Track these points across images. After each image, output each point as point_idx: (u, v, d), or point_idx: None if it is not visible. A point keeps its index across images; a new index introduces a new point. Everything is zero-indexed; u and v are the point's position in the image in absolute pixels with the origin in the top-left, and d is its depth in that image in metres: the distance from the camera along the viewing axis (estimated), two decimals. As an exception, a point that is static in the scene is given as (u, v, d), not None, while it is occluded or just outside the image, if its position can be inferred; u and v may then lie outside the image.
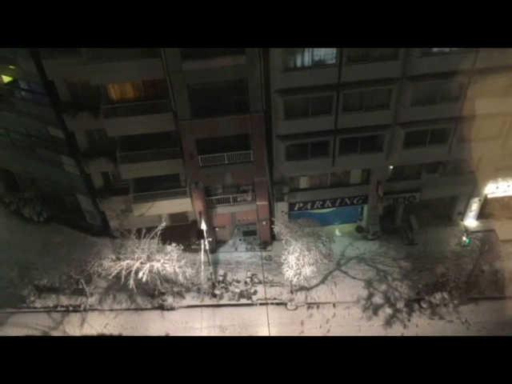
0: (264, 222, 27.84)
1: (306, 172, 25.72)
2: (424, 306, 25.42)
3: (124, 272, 23.92)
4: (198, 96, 21.63)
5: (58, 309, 26.29)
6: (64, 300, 26.52)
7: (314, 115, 22.48)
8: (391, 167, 26.08)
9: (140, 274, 23.75)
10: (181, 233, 27.48)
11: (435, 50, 20.64)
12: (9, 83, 23.92)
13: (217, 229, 28.49)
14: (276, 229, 25.85)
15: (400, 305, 25.55)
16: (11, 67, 22.68)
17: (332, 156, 24.24)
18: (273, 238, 28.68)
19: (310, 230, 24.57)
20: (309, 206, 27.26)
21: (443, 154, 24.95)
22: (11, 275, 26.92)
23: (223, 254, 28.73)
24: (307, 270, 23.61)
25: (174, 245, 25.02)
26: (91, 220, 29.02)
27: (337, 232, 29.39)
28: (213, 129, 22.71)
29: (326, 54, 20.44)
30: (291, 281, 24.87)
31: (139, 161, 24.00)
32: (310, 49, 20.20)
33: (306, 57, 20.47)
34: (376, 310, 25.59)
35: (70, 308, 26.27)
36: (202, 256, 26.72)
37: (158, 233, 24.74)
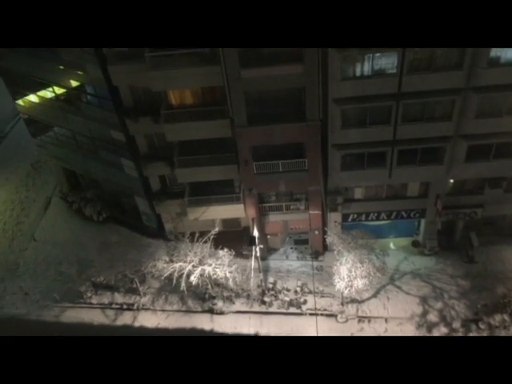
0: (316, 232, 27.56)
1: (361, 182, 25.25)
2: (482, 327, 24.21)
3: (176, 274, 24.37)
4: (254, 103, 21.78)
5: (113, 306, 27.12)
6: (119, 298, 27.33)
7: (371, 125, 22.06)
8: (451, 181, 25.13)
9: (192, 277, 24.11)
10: (233, 238, 27.66)
11: (503, 60, 19.75)
12: (76, 88, 25.08)
13: (268, 236, 28.48)
14: (328, 239, 25.50)
15: (456, 324, 24.46)
16: (79, 73, 23.78)
17: (389, 167, 23.66)
18: (325, 248, 28.31)
19: (363, 242, 24.06)
20: (363, 217, 26.72)
21: (509, 170, 23.76)
22: (71, 271, 28.11)
23: (274, 262, 28.66)
24: (359, 283, 23.10)
25: (225, 250, 25.24)
26: (147, 222, 29.82)
27: (391, 245, 28.61)
28: (268, 136, 22.78)
29: (387, 62, 20.05)
30: (342, 292, 24.43)
31: (195, 165, 24.43)
32: (370, 57, 19.88)
33: (366, 66, 20.15)
34: (430, 328, 24.63)
35: (124, 306, 27.03)
36: (253, 262, 26.79)
37: (211, 237, 25.06)
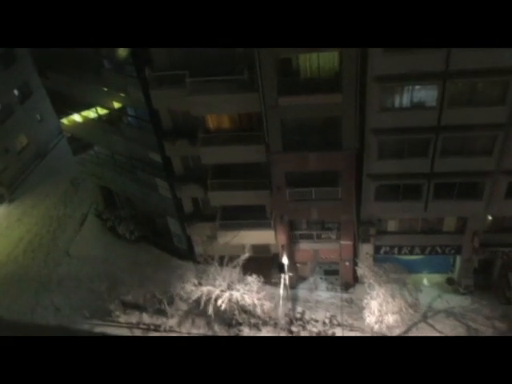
0: (347, 263, 27.08)
1: (395, 215, 24.79)
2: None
3: (204, 298, 24.29)
4: (290, 130, 21.88)
5: (140, 326, 27.19)
6: (146, 318, 27.39)
7: (408, 157, 21.75)
8: (490, 217, 24.36)
9: (219, 302, 23.98)
10: (262, 265, 27.47)
11: (548, 96, 19.28)
12: (118, 109, 25.85)
13: (298, 264, 28.16)
14: (359, 271, 24.99)
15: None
16: (122, 95, 24.53)
17: (425, 200, 23.17)
18: (355, 280, 27.74)
19: (395, 276, 23.48)
20: (396, 250, 26.12)
21: (551, 209, 22.92)
22: (101, 289, 28.42)
23: (302, 291, 28.23)
24: (390, 318, 22.44)
25: (254, 276, 25.05)
26: (178, 243, 30.02)
27: (425, 281, 27.77)
28: (303, 163, 22.76)
29: (427, 95, 19.85)
30: (372, 327, 23.74)
31: (228, 189, 24.58)
32: (410, 89, 19.74)
33: (405, 97, 20.01)
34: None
35: (151, 327, 27.05)
36: (282, 291, 26.46)
37: (240, 262, 24.97)
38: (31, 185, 36.95)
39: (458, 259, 26.63)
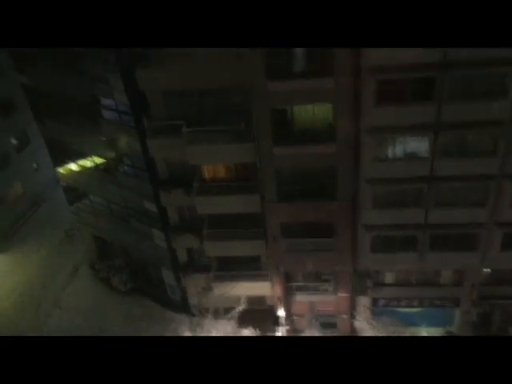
0: (344, 316, 26.49)
1: (391, 266, 24.53)
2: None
3: (197, 351, 23.55)
4: (285, 180, 22.00)
5: None
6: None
7: (403, 207, 21.80)
8: (487, 270, 24.12)
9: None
10: (257, 317, 26.83)
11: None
12: (114, 158, 26.04)
13: (294, 317, 27.53)
14: (357, 324, 24.44)
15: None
16: (119, 144, 24.78)
17: (421, 252, 23.01)
18: (353, 333, 27.05)
19: (394, 330, 22.93)
20: (394, 303, 25.66)
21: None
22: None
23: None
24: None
25: (250, 329, 24.42)
26: (172, 294, 29.44)
27: (424, 335, 27.11)
28: (298, 213, 22.74)
29: (419, 146, 20.15)
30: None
31: (224, 239, 24.38)
32: (403, 140, 20.06)
33: (398, 148, 20.29)
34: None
35: None
36: (277, 344, 25.72)
37: (236, 314, 24.42)
38: (25, 234, 36.57)
39: (457, 312, 26.12)
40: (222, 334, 23.91)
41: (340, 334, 26.30)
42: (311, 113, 20.38)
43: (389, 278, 25.25)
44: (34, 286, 32.50)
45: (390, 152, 20.54)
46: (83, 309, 30.25)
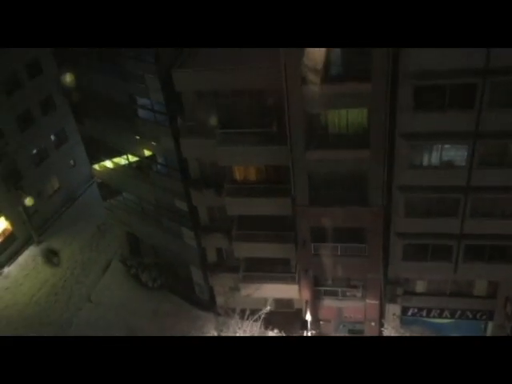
0: (372, 323, 26.11)
1: (423, 275, 24.00)
2: None
3: (223, 351, 23.63)
4: (317, 184, 21.83)
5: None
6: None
7: (437, 216, 21.30)
8: (524, 283, 23.36)
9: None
10: (284, 320, 26.75)
11: None
12: (148, 157, 26.42)
13: (321, 322, 27.31)
14: (385, 332, 24.03)
15: None
16: (153, 143, 25.14)
17: (455, 262, 22.44)
18: (381, 341, 26.67)
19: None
20: (424, 312, 25.10)
21: None
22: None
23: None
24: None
25: (276, 331, 24.35)
26: (200, 293, 29.66)
27: (454, 347, 26.46)
28: (329, 218, 22.52)
29: (457, 154, 19.65)
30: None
31: (253, 241, 24.40)
32: (439, 147, 19.60)
33: (434, 155, 19.83)
34: None
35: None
36: (303, 348, 25.55)
37: (262, 316, 24.39)
38: (60, 228, 37.52)
39: (490, 325, 25.37)
40: (248, 334, 23.95)
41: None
42: (345, 117, 20.15)
43: (420, 286, 24.71)
44: (66, 278, 33.28)
45: (425, 159, 20.09)
46: (113, 303, 30.79)
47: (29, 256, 35.37)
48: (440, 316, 25.06)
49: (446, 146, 19.66)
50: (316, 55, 18.57)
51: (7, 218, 34.43)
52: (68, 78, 26.29)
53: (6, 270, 34.18)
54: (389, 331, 23.36)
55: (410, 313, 25.23)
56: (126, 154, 27.44)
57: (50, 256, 34.20)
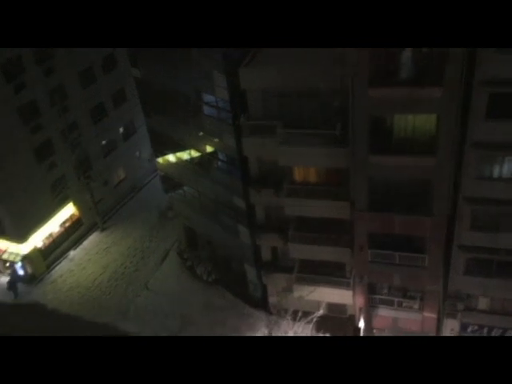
0: (428, 336, 25.20)
1: (486, 292, 22.82)
2: None
3: (272, 351, 23.65)
4: (378, 189, 21.29)
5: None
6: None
7: (505, 231, 20.16)
8: None
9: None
10: (336, 325, 26.37)
11: None
12: (210, 153, 26.83)
13: (375, 330, 26.66)
14: (441, 347, 23.10)
15: None
16: (215, 140, 25.49)
17: (522, 280, 21.21)
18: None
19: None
20: (485, 331, 23.91)
21: None
22: (173, 326, 28.75)
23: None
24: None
25: (327, 335, 24.05)
26: (253, 291, 29.78)
27: (516, 370, 25.01)
28: (388, 225, 21.91)
29: (531, 167, 18.52)
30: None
31: (309, 243, 24.18)
32: (511, 159, 18.54)
33: (505, 167, 18.79)
34: None
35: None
36: (354, 356, 25.08)
37: (314, 319, 24.17)
38: (123, 217, 39.00)
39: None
40: (300, 335, 23.82)
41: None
42: (412, 122, 19.50)
43: (482, 303, 23.54)
44: (127, 265, 34.52)
45: (495, 171, 19.09)
46: (169, 293, 31.60)
47: (93, 242, 37.02)
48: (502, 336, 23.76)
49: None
50: (385, 57, 18.08)
51: (75, 204, 36.18)
52: (139, 73, 27.21)
53: (71, 253, 35.98)
54: (445, 347, 22.42)
55: (469, 330, 24.12)
56: (188, 149, 28.01)
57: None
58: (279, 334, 24.23)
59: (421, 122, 19.35)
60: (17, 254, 33.20)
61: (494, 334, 23.78)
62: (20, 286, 33.37)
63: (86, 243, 36.89)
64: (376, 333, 26.63)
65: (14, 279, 33.43)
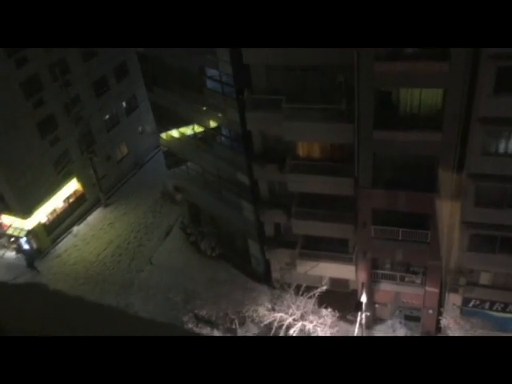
0: (430, 311, 25.42)
1: (489, 267, 22.93)
2: None
3: (276, 324, 23.96)
4: (382, 166, 21.18)
5: (209, 342, 27.30)
6: (216, 335, 27.51)
7: (509, 207, 20.12)
8: None
9: (291, 331, 23.50)
10: (339, 299, 26.62)
11: None
12: (213, 128, 26.65)
13: (377, 305, 26.93)
14: (443, 321, 23.36)
15: None
16: (219, 115, 25.29)
17: (525, 256, 21.26)
18: (438, 330, 25.93)
19: (483, 333, 21.62)
20: (487, 305, 24.08)
21: None
22: (177, 299, 29.10)
23: (379, 334, 26.92)
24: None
25: (329, 310, 24.33)
26: (256, 266, 30.02)
27: (516, 343, 25.30)
28: (392, 202, 21.87)
29: (537, 142, 18.35)
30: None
31: (312, 219, 24.20)
32: (518, 135, 18.36)
33: (511, 143, 18.63)
34: None
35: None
36: (357, 329, 25.40)
37: (317, 294, 24.40)
38: (126, 192, 39.06)
39: (558, 325, 24.01)
40: (301, 311, 24.03)
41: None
42: (418, 97, 19.26)
43: (484, 278, 23.66)
44: (130, 240, 34.75)
45: (501, 146, 18.92)
46: (172, 268, 31.88)
47: (97, 217, 37.18)
48: (504, 310, 23.95)
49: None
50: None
51: (79, 180, 36.22)
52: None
53: (75, 228, 36.19)
54: (447, 320, 22.66)
55: (471, 304, 24.30)
56: (192, 124, 27.82)
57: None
58: (282, 308, 24.47)
59: (427, 96, 19.10)
60: (21, 229, 33.42)
61: (495, 308, 23.98)
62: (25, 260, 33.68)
63: (89, 219, 37.07)
64: (378, 307, 26.92)
65: (28, 254, 33.69)
